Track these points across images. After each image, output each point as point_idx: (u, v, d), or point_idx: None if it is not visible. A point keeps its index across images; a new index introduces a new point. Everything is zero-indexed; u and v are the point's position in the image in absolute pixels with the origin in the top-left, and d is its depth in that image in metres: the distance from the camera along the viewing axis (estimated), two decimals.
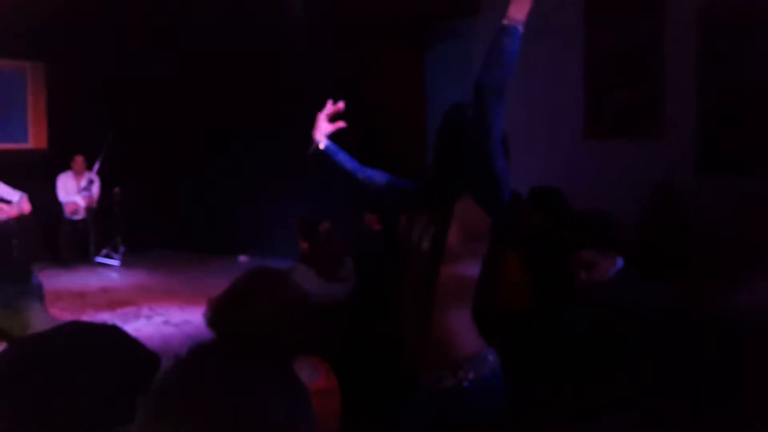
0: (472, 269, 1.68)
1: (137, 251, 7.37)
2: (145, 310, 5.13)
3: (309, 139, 2.08)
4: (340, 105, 2.03)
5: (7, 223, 6.49)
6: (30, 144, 7.80)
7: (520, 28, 1.68)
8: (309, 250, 3.50)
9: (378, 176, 1.98)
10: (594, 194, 4.39)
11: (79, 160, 7.15)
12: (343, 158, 1.98)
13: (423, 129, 5.35)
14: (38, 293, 1.85)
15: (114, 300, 5.49)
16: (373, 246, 3.48)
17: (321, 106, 2.11)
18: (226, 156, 7.15)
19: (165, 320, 4.87)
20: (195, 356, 0.70)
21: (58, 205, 7.11)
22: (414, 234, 1.72)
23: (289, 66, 6.37)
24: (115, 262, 7.04)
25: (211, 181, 7.42)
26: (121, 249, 7.12)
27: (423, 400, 1.70)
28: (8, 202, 6.63)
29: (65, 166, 7.22)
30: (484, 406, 1.65)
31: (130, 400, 1.80)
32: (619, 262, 2.52)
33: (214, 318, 1.53)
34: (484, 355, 1.67)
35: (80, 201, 7.05)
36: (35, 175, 7.07)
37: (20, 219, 6.56)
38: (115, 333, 1.95)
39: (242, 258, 7.33)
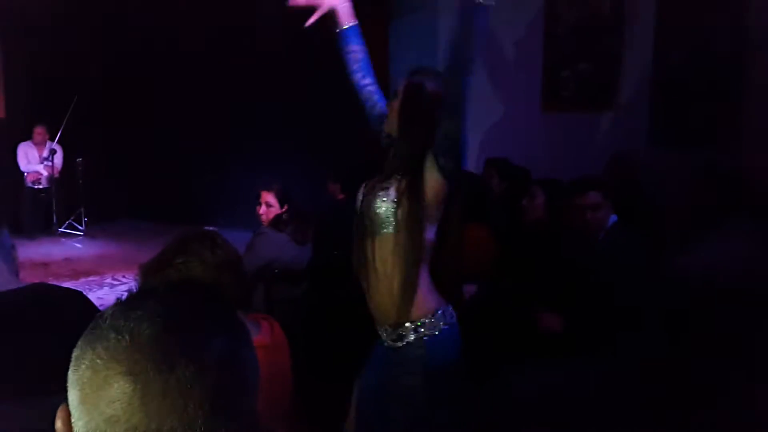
0: (429, 233, 1.76)
1: (101, 222, 7.30)
2: (108, 279, 5.14)
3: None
4: None
5: None
6: None
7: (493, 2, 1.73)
8: (284, 214, 3.52)
9: (376, 97, 2.05)
10: (551, 165, 4.54)
11: (38, 130, 7.01)
12: (358, 49, 2.07)
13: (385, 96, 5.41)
14: (6, 253, 1.84)
15: (77, 270, 5.47)
16: (335, 214, 3.54)
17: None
18: (193, 125, 7.09)
19: (129, 289, 4.87)
20: (135, 297, 0.68)
21: (18, 174, 6.98)
22: (376, 198, 1.76)
23: (258, 35, 6.31)
24: (78, 233, 6.97)
25: (176, 152, 7.36)
26: (84, 219, 7.05)
27: (385, 355, 1.80)
28: None
29: (24, 135, 7.07)
30: (443, 358, 1.76)
31: None
32: (613, 217, 2.69)
33: (144, 281, 1.55)
34: (443, 311, 1.77)
35: (42, 170, 6.93)
36: None
37: None
38: (78, 297, 2.00)
39: (209, 228, 7.31)
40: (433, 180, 1.73)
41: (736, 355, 2.16)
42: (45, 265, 5.48)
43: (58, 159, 7.07)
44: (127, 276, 5.21)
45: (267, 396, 0.70)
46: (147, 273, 1.50)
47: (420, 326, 1.73)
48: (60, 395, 1.60)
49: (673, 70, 4.27)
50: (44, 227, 6.83)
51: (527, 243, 2.80)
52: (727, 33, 4.11)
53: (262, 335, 1.55)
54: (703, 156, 3.84)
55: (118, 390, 0.58)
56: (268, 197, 3.53)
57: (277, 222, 3.42)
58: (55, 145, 6.98)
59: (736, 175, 3.26)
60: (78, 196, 7.01)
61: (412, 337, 1.73)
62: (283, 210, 3.46)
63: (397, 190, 1.73)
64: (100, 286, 4.95)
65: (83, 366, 0.62)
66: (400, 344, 1.74)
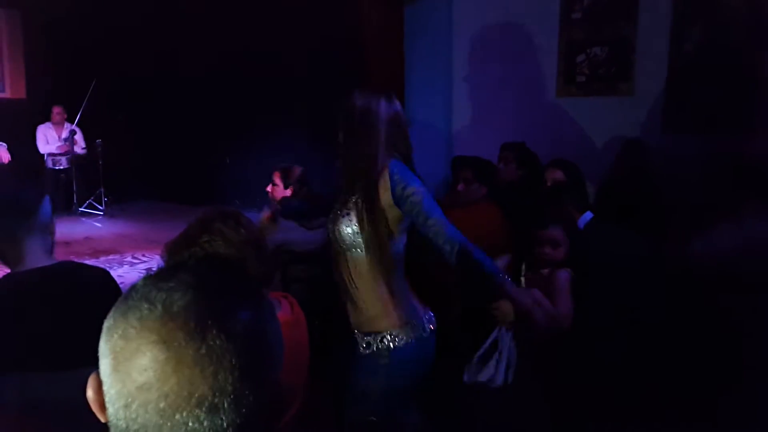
0: (400, 243, 1.88)
1: (120, 202, 7.42)
2: (128, 258, 5.24)
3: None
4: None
5: None
6: (7, 94, 7.71)
7: None
8: (288, 198, 3.58)
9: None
10: (565, 150, 4.54)
11: (57, 110, 7.10)
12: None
13: (401, 85, 5.40)
14: (43, 228, 1.90)
15: (98, 248, 5.58)
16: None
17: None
18: (212, 108, 7.15)
19: (148, 267, 4.98)
20: (164, 270, 0.70)
21: (38, 156, 7.09)
22: (341, 223, 1.88)
23: (273, 19, 6.34)
24: (98, 212, 7.09)
25: (194, 134, 7.43)
26: (104, 200, 7.16)
27: (355, 360, 1.91)
28: None
29: (44, 116, 7.17)
30: (406, 369, 1.87)
31: None
32: (588, 214, 2.70)
33: (170, 258, 1.58)
34: (417, 323, 1.87)
35: (61, 150, 7.04)
36: (13, 125, 7.04)
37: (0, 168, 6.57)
38: (103, 275, 2.07)
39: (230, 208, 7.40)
40: (388, 198, 1.83)
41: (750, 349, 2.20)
42: (66, 243, 5.59)
43: (79, 140, 7.17)
44: (146, 255, 5.31)
45: (287, 369, 0.74)
46: (172, 250, 1.55)
47: (387, 336, 1.84)
48: (88, 367, 1.68)
49: (689, 56, 4.24)
50: (65, 207, 6.96)
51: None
52: (744, 17, 4.07)
53: (283, 312, 1.60)
54: (719, 142, 3.84)
55: (151, 358, 0.60)
56: (275, 176, 3.61)
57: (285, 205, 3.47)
58: (75, 127, 7.08)
59: (755, 161, 3.27)
60: (98, 177, 7.12)
61: (378, 346, 1.84)
62: (289, 192, 3.51)
63: (357, 215, 1.84)
64: (121, 264, 5.04)
65: (116, 335, 0.63)
66: (368, 351, 1.86)
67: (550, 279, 2.43)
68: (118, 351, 0.62)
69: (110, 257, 5.22)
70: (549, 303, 2.32)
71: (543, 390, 2.29)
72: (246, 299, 0.68)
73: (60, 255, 1.95)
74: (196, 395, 0.60)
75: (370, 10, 5.63)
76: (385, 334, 1.84)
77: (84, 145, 7.17)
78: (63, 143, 7.02)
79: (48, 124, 7.15)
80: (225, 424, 0.61)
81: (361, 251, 1.85)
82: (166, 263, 1.60)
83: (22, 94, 7.74)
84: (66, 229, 6.25)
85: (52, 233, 1.98)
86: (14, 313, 1.76)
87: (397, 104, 2.00)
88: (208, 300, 0.64)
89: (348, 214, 1.87)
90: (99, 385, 0.66)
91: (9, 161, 6.63)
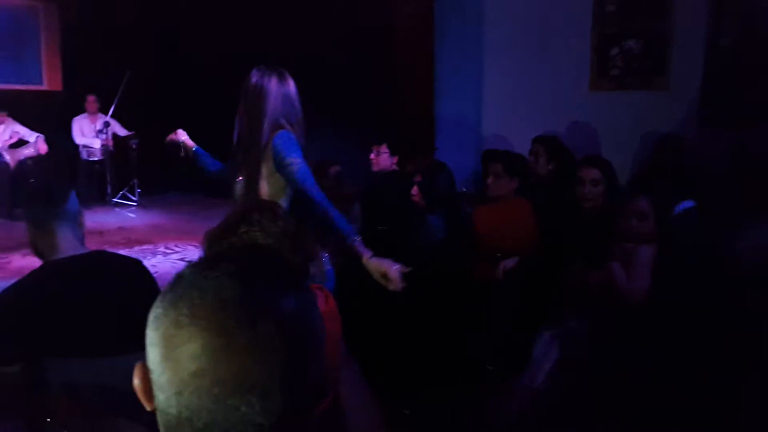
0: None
1: (153, 193, 7.54)
2: (161, 248, 5.32)
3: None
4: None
5: (25, 162, 6.66)
6: (45, 86, 7.87)
7: None
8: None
9: (218, 165, 2.66)
10: (598, 144, 4.48)
11: (91, 99, 7.22)
12: (206, 159, 2.67)
13: (430, 77, 5.39)
14: (73, 219, 1.95)
15: (131, 238, 5.68)
16: (384, 185, 3.60)
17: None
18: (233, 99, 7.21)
19: (181, 257, 5.06)
20: (209, 259, 0.72)
21: (73, 147, 7.24)
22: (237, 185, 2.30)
23: (304, 11, 6.36)
24: (131, 203, 7.22)
25: (226, 126, 7.50)
26: (137, 191, 7.29)
27: None
28: (26, 142, 6.79)
29: (80, 108, 7.32)
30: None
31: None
32: (688, 202, 2.65)
33: (209, 248, 1.58)
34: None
35: (96, 143, 7.18)
36: (50, 117, 7.19)
37: (37, 159, 6.73)
38: (136, 265, 2.11)
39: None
40: (271, 166, 2.17)
41: None
42: (100, 233, 5.71)
43: (117, 130, 7.31)
44: (179, 245, 5.39)
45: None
46: (211, 240, 1.58)
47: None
48: (124, 354, 1.71)
49: (726, 50, 4.15)
50: (99, 197, 7.10)
51: (585, 227, 2.77)
52: None
53: (319, 303, 1.62)
54: (755, 137, 3.75)
55: (204, 345, 0.61)
56: None
57: None
58: (109, 118, 7.21)
59: None
60: (131, 169, 7.25)
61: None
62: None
63: (245, 179, 2.24)
64: (154, 254, 5.12)
65: (166, 324, 0.64)
66: None
67: (632, 253, 2.41)
68: (169, 339, 0.63)
69: (143, 247, 5.31)
70: (623, 276, 2.32)
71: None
72: (290, 288, 0.69)
73: (94, 244, 2.02)
74: (249, 381, 0.61)
75: (400, 3, 5.63)
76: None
77: (122, 133, 7.31)
78: (99, 136, 7.16)
79: (83, 116, 7.29)
80: (274, 409, 0.62)
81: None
82: (206, 252, 1.63)
83: (58, 86, 7.90)
84: (100, 218, 6.39)
85: (82, 223, 2.03)
86: (53, 300, 1.80)
87: (290, 82, 2.31)
88: (255, 288, 0.66)
89: (240, 179, 2.26)
90: (145, 373, 0.67)
91: (46, 152, 6.80)
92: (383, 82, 5.87)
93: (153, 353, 0.65)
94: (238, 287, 0.65)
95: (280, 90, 2.27)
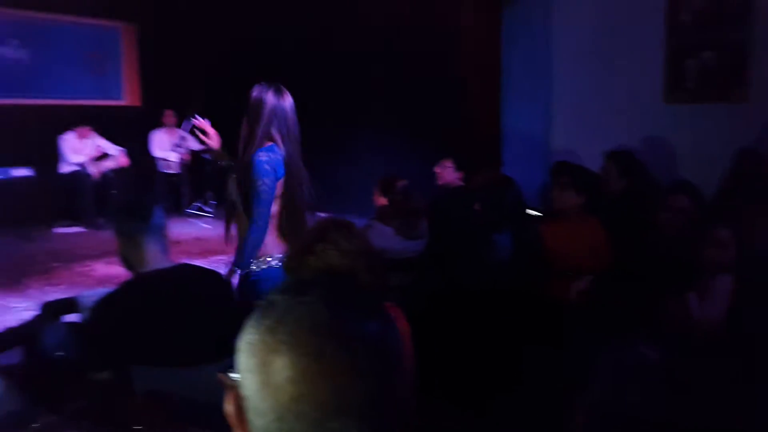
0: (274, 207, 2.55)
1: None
2: (225, 257, 5.48)
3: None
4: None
5: (108, 175, 7.04)
6: (125, 101, 8.30)
7: None
8: (387, 207, 3.66)
9: None
10: (674, 159, 4.35)
11: (169, 113, 7.53)
12: None
13: (496, 90, 5.37)
14: (159, 232, 2.07)
15: (207, 249, 5.88)
16: (451, 202, 3.61)
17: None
18: (308, 115, 7.38)
19: (253, 267, 5.21)
20: (296, 285, 0.74)
21: (151, 160, 7.58)
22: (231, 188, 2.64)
23: (371, 25, 6.46)
24: (207, 214, 7.48)
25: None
26: (212, 203, 7.56)
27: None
28: (108, 155, 7.17)
29: (157, 123, 7.66)
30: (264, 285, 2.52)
31: (230, 337, 2.05)
32: None
33: (289, 264, 1.68)
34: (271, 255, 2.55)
35: (173, 156, 7.49)
36: (130, 131, 7.56)
37: (119, 171, 7.10)
38: (217, 277, 2.21)
39: (321, 215, 7.63)
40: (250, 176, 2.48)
41: None
42: (177, 243, 5.92)
43: (193, 144, 7.62)
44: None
45: None
46: (290, 256, 1.65)
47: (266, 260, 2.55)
48: (206, 364, 1.78)
49: None
50: (174, 208, 7.40)
51: (663, 251, 2.69)
52: None
53: None
54: None
55: (304, 370, 0.63)
56: (376, 188, 3.71)
57: (382, 215, 3.53)
58: (185, 133, 7.52)
59: None
60: (206, 181, 7.52)
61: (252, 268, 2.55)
62: (386, 203, 3.58)
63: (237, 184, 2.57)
64: (227, 265, 5.28)
65: (263, 351, 0.66)
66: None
67: (709, 281, 2.35)
68: (267, 365, 0.65)
69: (218, 257, 5.48)
70: (697, 305, 2.25)
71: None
72: (375, 311, 0.71)
73: (173, 254, 2.15)
74: (346, 404, 0.64)
75: (468, 13, 5.63)
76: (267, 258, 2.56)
77: (198, 147, 7.60)
78: (177, 150, 7.47)
79: (162, 130, 7.62)
80: (370, 431, 0.65)
81: (242, 209, 2.57)
82: (285, 266, 1.70)
83: (137, 101, 8.30)
84: (177, 229, 6.60)
85: (167, 236, 2.15)
86: (141, 312, 1.91)
87: (287, 97, 2.60)
88: (346, 313, 0.68)
89: (233, 183, 2.61)
90: (239, 400, 0.69)
91: (127, 165, 7.16)
92: (450, 95, 5.89)
93: (250, 380, 0.67)
94: (331, 312, 0.68)
95: (275, 103, 2.56)
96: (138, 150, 7.43)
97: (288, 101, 2.61)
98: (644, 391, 2.05)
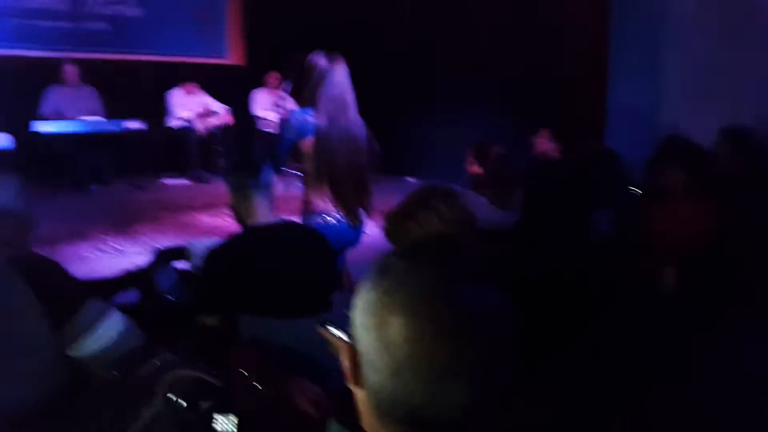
0: None
1: None
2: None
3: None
4: None
5: (212, 131, 7.37)
6: (228, 60, 8.59)
7: None
8: (481, 175, 3.64)
9: None
10: None
11: (272, 74, 7.74)
12: None
13: (604, 66, 5.13)
14: (267, 189, 2.20)
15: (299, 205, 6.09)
16: (546, 174, 3.53)
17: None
18: (400, 80, 7.38)
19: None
20: (410, 251, 0.78)
21: (251, 118, 7.85)
22: None
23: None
24: (301, 173, 7.68)
25: (383, 104, 7.72)
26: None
27: None
28: (213, 112, 7.49)
29: (259, 82, 7.89)
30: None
31: (327, 293, 2.13)
32: None
33: (389, 228, 1.72)
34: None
35: (273, 116, 7.72)
36: (233, 90, 7.84)
37: (224, 129, 7.41)
38: (319, 236, 2.30)
39: (409, 179, 7.68)
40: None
41: None
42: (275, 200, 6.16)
43: (292, 105, 7.81)
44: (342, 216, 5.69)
45: None
46: (391, 221, 1.69)
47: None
48: (307, 317, 1.87)
49: None
50: (272, 166, 7.63)
51: None
52: None
53: None
54: None
55: (421, 332, 0.67)
56: (470, 154, 3.68)
57: (476, 183, 3.51)
58: (285, 94, 7.70)
59: None
60: None
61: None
62: (480, 171, 3.54)
63: None
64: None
65: (382, 311, 0.69)
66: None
67: None
68: (385, 325, 0.69)
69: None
70: None
71: None
72: (486, 279, 0.74)
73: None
74: (459, 367, 0.67)
75: None
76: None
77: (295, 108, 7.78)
78: (277, 109, 7.68)
79: (263, 89, 7.84)
80: (478, 396, 0.68)
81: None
82: (387, 232, 1.75)
83: (241, 60, 8.57)
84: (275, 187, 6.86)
85: (273, 192, 2.26)
86: (249, 263, 2.04)
87: (339, 65, 2.76)
88: (461, 279, 0.71)
89: None
90: (354, 355, 0.73)
91: (232, 124, 7.45)
92: (552, 64, 5.70)
93: (367, 337, 0.71)
94: (446, 277, 0.71)
95: (325, 70, 2.75)
96: (240, 108, 7.70)
97: (339, 69, 2.75)
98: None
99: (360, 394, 0.74)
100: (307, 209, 2.88)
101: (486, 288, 0.72)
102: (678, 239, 2.81)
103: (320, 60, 2.74)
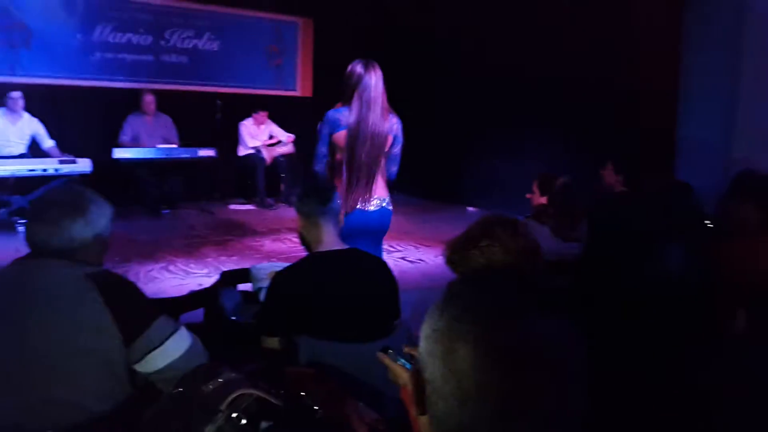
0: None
1: None
2: (385, 246, 5.65)
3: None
4: None
5: (278, 159, 7.58)
6: (297, 92, 8.85)
7: None
8: (544, 206, 3.59)
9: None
10: None
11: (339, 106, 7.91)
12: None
13: (674, 86, 5.01)
14: (335, 216, 2.24)
15: None
16: (612, 208, 3.44)
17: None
18: (462, 110, 7.40)
19: (402, 256, 5.37)
20: (473, 279, 0.78)
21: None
22: None
23: (544, 25, 6.33)
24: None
25: (445, 133, 7.76)
26: None
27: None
28: (279, 141, 7.72)
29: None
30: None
31: (388, 320, 2.12)
32: None
33: (452, 256, 1.70)
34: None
35: None
36: (300, 120, 8.07)
37: (288, 157, 7.61)
38: (383, 265, 2.30)
39: (470, 209, 7.64)
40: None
41: None
42: None
43: None
44: (400, 245, 5.72)
45: None
46: (453, 249, 1.68)
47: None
48: (367, 342, 1.87)
49: None
50: None
51: None
52: None
53: None
54: None
55: (491, 361, 0.66)
56: (534, 183, 3.63)
57: (539, 213, 3.45)
58: None
59: None
60: None
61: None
62: (544, 201, 3.49)
63: None
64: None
65: (449, 338, 0.69)
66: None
67: None
68: (453, 352, 0.68)
69: None
70: None
71: None
72: (556, 310, 0.72)
73: None
74: (527, 399, 0.65)
75: (646, 11, 5.32)
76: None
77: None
78: None
79: None
80: (548, 428, 0.66)
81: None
82: (448, 259, 1.74)
83: (309, 92, 8.82)
84: None
85: (341, 220, 2.30)
86: (313, 287, 2.07)
87: (373, 71, 3.11)
88: (530, 308, 0.71)
89: None
90: (420, 382, 0.72)
91: (294, 152, 7.64)
92: (623, 96, 5.60)
93: (434, 364, 0.70)
94: (515, 306, 0.70)
95: (361, 74, 3.08)
96: (307, 138, 7.88)
97: (374, 74, 3.11)
98: None
99: (423, 421, 0.73)
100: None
101: (556, 319, 0.71)
102: (751, 278, 2.66)
103: (357, 66, 3.12)
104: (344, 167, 3.08)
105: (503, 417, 0.66)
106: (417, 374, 0.73)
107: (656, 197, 3.08)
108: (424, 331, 0.73)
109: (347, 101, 3.10)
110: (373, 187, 3.12)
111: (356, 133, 3.06)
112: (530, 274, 1.55)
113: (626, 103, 5.56)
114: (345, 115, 3.09)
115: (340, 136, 3.09)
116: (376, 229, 3.27)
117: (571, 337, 0.71)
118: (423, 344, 0.73)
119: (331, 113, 3.15)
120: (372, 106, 3.08)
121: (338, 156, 3.14)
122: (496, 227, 1.61)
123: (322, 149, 3.11)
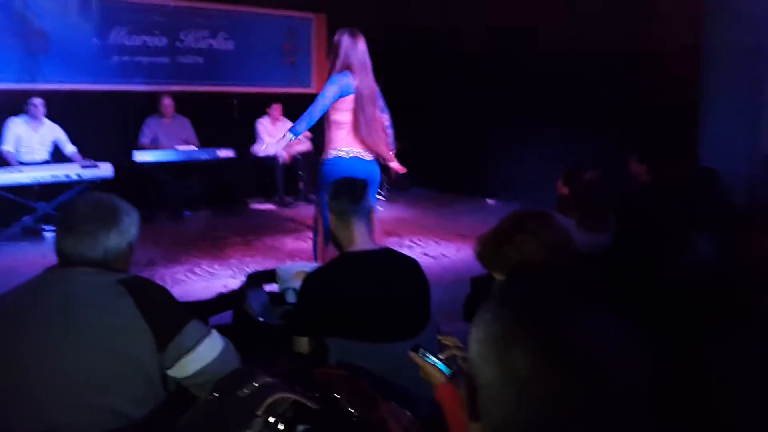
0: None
1: (396, 189, 8.03)
2: (407, 241, 5.67)
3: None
4: None
5: (296, 157, 7.59)
6: (313, 89, 8.83)
7: None
8: (568, 197, 3.55)
9: None
10: None
11: None
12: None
13: (697, 70, 4.92)
14: (367, 215, 2.21)
15: (383, 229, 6.13)
16: (638, 199, 3.39)
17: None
18: (483, 102, 7.35)
19: (424, 252, 5.35)
20: (522, 281, 0.80)
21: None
22: None
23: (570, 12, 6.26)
24: (380, 197, 7.77)
25: (464, 125, 7.71)
26: (386, 187, 7.83)
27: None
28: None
29: None
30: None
31: (419, 320, 2.10)
32: None
33: (483, 252, 1.67)
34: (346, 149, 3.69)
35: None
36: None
37: (305, 155, 7.61)
38: (415, 265, 2.28)
39: (490, 201, 7.60)
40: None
41: None
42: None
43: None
44: (421, 239, 5.70)
45: None
46: (485, 244, 1.65)
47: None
48: (398, 342, 1.85)
49: None
50: None
51: None
52: None
53: None
54: None
55: (548, 365, 0.64)
56: (560, 177, 3.60)
57: (563, 206, 3.42)
58: None
59: None
60: (381, 167, 7.78)
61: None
62: (566, 192, 3.46)
63: None
64: (400, 246, 5.44)
65: (506, 344, 0.67)
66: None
67: None
68: (511, 357, 0.66)
69: (392, 239, 5.71)
70: None
71: None
72: (609, 308, 0.70)
73: None
74: (582, 405, 0.63)
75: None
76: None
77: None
78: None
79: None
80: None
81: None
82: (479, 255, 1.71)
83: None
84: None
85: (372, 220, 2.27)
86: (344, 287, 2.05)
87: (359, 38, 3.50)
88: (587, 309, 0.68)
89: None
90: (473, 389, 0.70)
91: (311, 150, 7.64)
92: (646, 84, 5.53)
93: (489, 371, 0.68)
94: (571, 307, 0.68)
95: (350, 42, 3.45)
96: (322, 135, 7.88)
97: (360, 42, 3.47)
98: None
99: (476, 428, 0.71)
100: (330, 147, 3.61)
101: (611, 315, 0.69)
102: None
103: (344, 35, 3.46)
104: (351, 124, 3.46)
105: (565, 421, 0.64)
106: (469, 379, 0.71)
107: (685, 186, 3.03)
108: (476, 335, 0.71)
109: (340, 69, 3.42)
110: (375, 140, 3.52)
111: (361, 94, 3.43)
112: (568, 267, 1.52)
113: (649, 91, 5.48)
114: (351, 79, 3.42)
115: (349, 98, 3.42)
116: (372, 176, 3.65)
117: (629, 330, 0.69)
118: (475, 349, 0.71)
119: (341, 77, 3.42)
120: (367, 69, 3.47)
121: (335, 117, 3.47)
122: (528, 221, 1.58)
123: (320, 112, 3.43)
